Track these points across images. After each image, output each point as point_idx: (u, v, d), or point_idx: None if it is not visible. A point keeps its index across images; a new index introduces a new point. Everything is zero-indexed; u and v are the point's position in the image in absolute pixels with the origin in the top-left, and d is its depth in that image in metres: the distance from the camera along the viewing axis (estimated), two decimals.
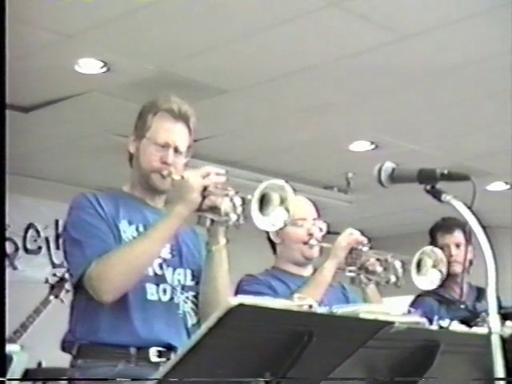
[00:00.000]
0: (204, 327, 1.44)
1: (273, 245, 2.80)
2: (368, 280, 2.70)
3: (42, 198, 6.02)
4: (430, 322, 1.75)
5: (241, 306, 1.40)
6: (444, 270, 2.59)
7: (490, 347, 1.62)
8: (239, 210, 1.96)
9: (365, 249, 2.68)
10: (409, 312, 1.72)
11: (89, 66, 4.18)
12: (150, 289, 2.10)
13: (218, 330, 1.42)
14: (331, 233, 2.77)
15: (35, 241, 6.17)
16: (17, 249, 6.02)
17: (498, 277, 1.67)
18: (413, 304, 3.28)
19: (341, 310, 1.60)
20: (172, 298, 2.14)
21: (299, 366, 1.57)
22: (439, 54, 4.14)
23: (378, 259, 2.68)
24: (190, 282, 2.20)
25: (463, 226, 3.34)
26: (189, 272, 2.20)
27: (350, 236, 2.69)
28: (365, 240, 2.69)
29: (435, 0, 3.64)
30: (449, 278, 3.38)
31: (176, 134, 2.18)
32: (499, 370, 1.60)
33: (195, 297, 2.19)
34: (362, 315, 1.58)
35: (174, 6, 3.60)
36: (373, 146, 5.63)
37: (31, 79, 4.26)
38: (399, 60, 4.18)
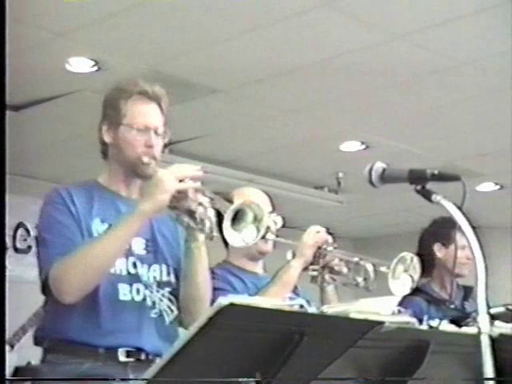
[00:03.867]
0: (194, 327, 1.43)
1: (225, 239, 2.73)
2: (333, 280, 2.64)
3: (32, 196, 5.98)
4: (420, 321, 1.75)
5: (231, 305, 1.40)
6: (416, 276, 2.52)
7: (479, 347, 1.63)
8: (213, 221, 1.95)
9: (330, 248, 2.61)
10: (399, 312, 1.72)
11: (79, 64, 4.18)
12: (123, 289, 2.06)
13: (209, 330, 1.42)
14: (295, 228, 2.72)
15: (25, 240, 6.15)
16: (6, 248, 6.00)
17: (488, 277, 1.68)
18: (401, 304, 3.27)
19: (331, 309, 1.60)
20: (145, 298, 2.09)
21: (290, 366, 1.57)
22: (430, 55, 4.16)
23: (345, 260, 2.61)
24: (165, 278, 2.15)
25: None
26: (164, 267, 2.16)
27: (316, 234, 2.63)
28: (330, 239, 2.63)
29: (426, 0, 3.65)
30: (443, 277, 3.37)
31: (152, 116, 2.14)
32: (488, 370, 1.61)
33: (171, 293, 2.15)
34: (353, 315, 1.58)
35: (166, 5, 3.60)
36: (363, 146, 5.64)
37: (22, 78, 4.24)
38: (390, 60, 4.19)
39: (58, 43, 3.92)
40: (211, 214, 1.96)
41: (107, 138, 2.17)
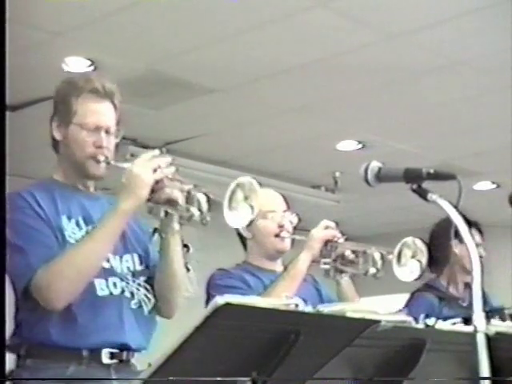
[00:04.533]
0: (190, 327, 1.43)
1: (243, 240, 2.76)
2: (344, 271, 2.66)
3: None
4: (416, 319, 1.74)
5: (227, 305, 1.40)
6: (424, 260, 2.53)
7: (475, 345, 1.63)
8: (205, 207, 1.92)
9: (340, 240, 2.64)
10: (400, 311, 1.71)
11: (76, 64, 4.18)
12: (100, 284, 2.03)
13: (205, 330, 1.42)
14: (308, 230, 2.74)
15: None
16: (6, 248, 5.98)
17: (484, 275, 1.68)
18: (411, 299, 3.21)
19: (327, 308, 1.60)
20: (123, 291, 2.07)
21: (286, 365, 1.57)
22: (426, 54, 4.16)
23: (356, 250, 2.64)
24: (139, 267, 2.13)
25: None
26: (136, 256, 2.14)
27: (325, 229, 2.66)
28: (339, 235, 2.65)
29: (422, 0, 3.66)
30: (455, 274, 3.34)
31: (104, 114, 2.09)
32: (484, 369, 1.61)
33: (146, 281, 2.14)
34: (349, 314, 1.58)
35: (163, 4, 3.60)
36: (360, 146, 5.64)
37: (18, 77, 4.23)
38: (387, 59, 4.20)
39: (54, 43, 3.92)
40: (202, 199, 1.93)
41: (57, 135, 2.13)
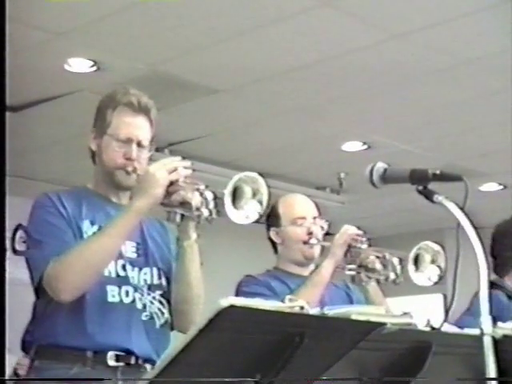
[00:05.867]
0: (194, 329, 1.42)
1: (273, 245, 2.77)
2: (368, 278, 2.66)
3: (31, 198, 5.97)
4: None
5: (231, 307, 1.39)
6: (443, 264, 2.51)
7: (481, 348, 1.61)
8: (211, 204, 1.93)
9: (363, 246, 2.64)
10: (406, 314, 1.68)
11: (78, 65, 4.18)
12: (112, 291, 2.05)
13: (209, 332, 1.41)
14: (330, 234, 2.75)
15: (24, 242, 6.11)
16: (6, 250, 5.97)
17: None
18: (476, 297, 3.13)
19: (332, 311, 1.58)
20: (134, 301, 2.08)
21: (290, 368, 1.56)
22: (431, 54, 4.15)
23: (377, 256, 2.64)
24: (156, 281, 2.15)
25: None
26: (155, 270, 2.15)
27: (345, 233, 2.66)
28: (361, 233, 2.65)
29: (424, 1, 3.64)
30: None
31: (137, 128, 2.13)
32: (491, 371, 1.59)
33: (162, 295, 2.15)
34: (354, 316, 1.57)
35: (164, 5, 3.59)
36: (365, 147, 5.63)
37: (20, 78, 4.24)
38: (392, 60, 4.19)
39: (56, 44, 3.91)
40: (210, 196, 1.94)
41: (93, 146, 2.18)
